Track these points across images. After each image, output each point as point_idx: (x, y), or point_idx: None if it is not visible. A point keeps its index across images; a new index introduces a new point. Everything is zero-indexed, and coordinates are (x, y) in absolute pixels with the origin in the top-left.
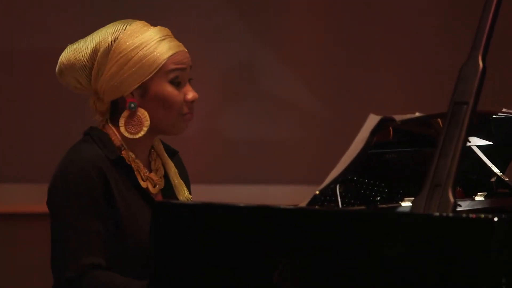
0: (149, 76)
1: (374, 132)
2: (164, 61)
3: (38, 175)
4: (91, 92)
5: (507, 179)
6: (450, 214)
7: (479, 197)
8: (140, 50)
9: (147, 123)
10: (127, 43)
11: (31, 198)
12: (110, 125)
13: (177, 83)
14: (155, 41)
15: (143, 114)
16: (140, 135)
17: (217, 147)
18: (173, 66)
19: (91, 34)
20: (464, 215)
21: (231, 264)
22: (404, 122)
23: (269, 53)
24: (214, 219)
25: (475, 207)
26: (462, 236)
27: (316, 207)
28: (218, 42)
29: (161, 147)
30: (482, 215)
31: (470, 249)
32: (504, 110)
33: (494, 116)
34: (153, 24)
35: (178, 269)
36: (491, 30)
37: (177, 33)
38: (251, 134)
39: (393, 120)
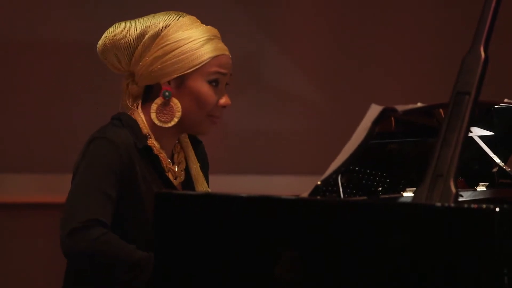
0: (189, 70)
1: (376, 122)
2: (208, 60)
3: (39, 166)
4: (127, 73)
5: (508, 170)
6: (452, 205)
7: (481, 188)
8: (187, 43)
9: (178, 113)
10: (177, 33)
11: (32, 188)
12: (139, 111)
13: (214, 85)
14: (203, 39)
15: (175, 104)
16: (170, 124)
17: (220, 138)
18: (215, 69)
19: (141, 17)
20: (466, 205)
21: (233, 255)
22: (406, 112)
23: (271, 45)
24: (216, 209)
25: (477, 198)
26: (463, 227)
27: (318, 197)
28: (220, 34)
29: (187, 139)
30: (484, 206)
31: (472, 239)
32: (506, 100)
33: (496, 106)
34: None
35: (180, 259)
36: (493, 21)
37: None
38: (253, 125)
39: (395, 110)
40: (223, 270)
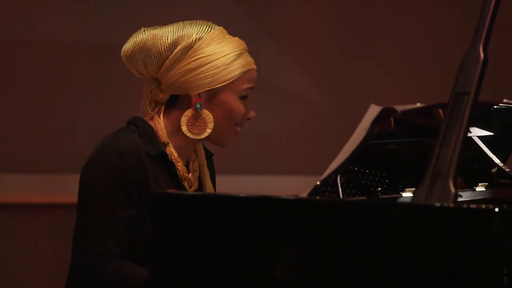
0: (221, 85)
1: (375, 122)
2: (240, 75)
3: (38, 166)
4: (151, 79)
5: (508, 170)
6: (451, 205)
7: (480, 188)
8: (220, 57)
9: (211, 125)
10: (210, 46)
11: (32, 188)
12: (160, 118)
13: (244, 98)
14: (236, 53)
15: (207, 115)
16: (202, 136)
17: None
18: (246, 85)
19: (170, 25)
20: (465, 205)
21: (232, 255)
22: (405, 112)
23: (271, 45)
24: (215, 209)
25: (476, 198)
26: (463, 227)
27: (317, 197)
28: None
29: (202, 149)
30: (483, 206)
31: (471, 239)
32: (505, 100)
33: (495, 106)
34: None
35: (179, 259)
36: (492, 21)
37: None
38: (252, 125)
39: (394, 110)
40: (223, 270)
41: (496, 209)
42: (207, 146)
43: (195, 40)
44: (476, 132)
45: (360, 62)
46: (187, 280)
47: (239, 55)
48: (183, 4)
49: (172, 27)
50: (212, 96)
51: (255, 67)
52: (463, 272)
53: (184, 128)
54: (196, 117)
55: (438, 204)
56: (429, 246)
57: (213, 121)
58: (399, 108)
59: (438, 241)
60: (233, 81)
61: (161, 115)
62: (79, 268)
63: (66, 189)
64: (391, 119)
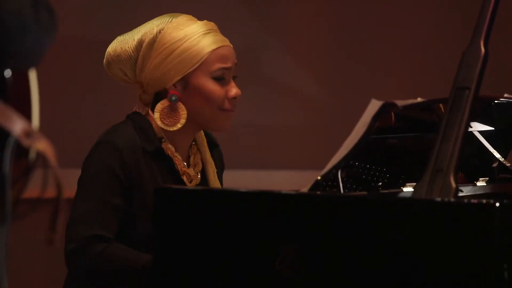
0: (191, 69)
1: (376, 117)
2: (207, 54)
3: (39, 161)
4: (137, 84)
5: (508, 165)
6: (452, 200)
7: (480, 183)
8: (184, 42)
9: (183, 119)
10: (172, 35)
11: (33, 183)
12: (152, 115)
13: (220, 79)
14: (199, 34)
15: (182, 109)
16: (172, 128)
17: (219, 133)
18: (218, 65)
19: (138, 27)
20: (466, 200)
21: (232, 249)
22: (406, 107)
23: (271, 39)
24: (215, 204)
25: (477, 193)
26: (464, 222)
27: (318, 192)
28: (221, 28)
29: (204, 142)
30: (484, 200)
31: (472, 234)
32: (506, 95)
33: (496, 101)
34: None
35: (179, 254)
36: (493, 16)
37: None
38: (253, 120)
39: (395, 105)
40: (223, 264)
41: (497, 204)
42: (216, 135)
43: (157, 33)
44: (476, 127)
45: (360, 59)
46: (187, 275)
47: (204, 35)
48: (184, 3)
49: (138, 28)
50: (186, 84)
51: (226, 43)
52: (464, 267)
53: (156, 116)
54: (172, 109)
55: (438, 199)
56: (430, 241)
57: (185, 116)
58: (400, 103)
59: (439, 236)
60: (203, 63)
61: (150, 114)
62: (66, 253)
63: (67, 183)
64: (392, 114)
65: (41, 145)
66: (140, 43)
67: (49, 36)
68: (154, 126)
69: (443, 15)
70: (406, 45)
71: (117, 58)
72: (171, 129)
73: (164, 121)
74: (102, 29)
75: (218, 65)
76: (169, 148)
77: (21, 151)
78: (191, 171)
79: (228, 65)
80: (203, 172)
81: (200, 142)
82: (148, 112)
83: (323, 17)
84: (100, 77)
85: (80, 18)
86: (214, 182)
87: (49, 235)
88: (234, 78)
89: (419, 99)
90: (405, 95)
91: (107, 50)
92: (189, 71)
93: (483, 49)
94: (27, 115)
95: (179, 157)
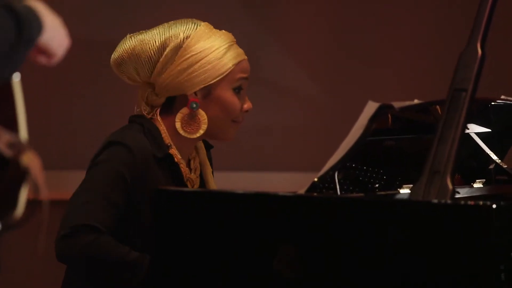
0: (216, 80)
1: (373, 119)
2: (232, 67)
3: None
4: (144, 84)
5: (505, 166)
6: (449, 201)
7: (477, 184)
8: (211, 53)
9: (204, 126)
10: (199, 43)
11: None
12: (159, 120)
13: (238, 91)
14: (224, 46)
15: (202, 116)
16: (195, 136)
17: None
18: (240, 75)
19: (155, 28)
20: (462, 202)
21: (231, 251)
22: (403, 109)
23: (270, 41)
24: (214, 206)
25: (474, 194)
26: (460, 223)
27: (315, 194)
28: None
29: (202, 144)
30: (481, 202)
31: (469, 236)
32: (502, 97)
33: (492, 103)
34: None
35: (179, 255)
36: (489, 18)
37: None
38: (251, 121)
39: (391, 107)
40: (222, 265)
41: (494, 206)
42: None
43: (184, 39)
44: (473, 129)
45: (359, 59)
46: (186, 276)
47: (229, 48)
48: (183, 2)
49: (158, 30)
50: (207, 93)
51: (245, 57)
52: (461, 269)
53: (178, 125)
54: (191, 116)
55: (435, 201)
56: (427, 242)
57: (206, 122)
58: (397, 104)
59: (436, 237)
60: (227, 74)
61: (158, 117)
62: (57, 238)
63: (66, 185)
64: (389, 115)
65: (27, 157)
66: (163, 46)
67: (19, 43)
68: (162, 131)
69: (444, 16)
70: (406, 45)
71: (136, 57)
72: (193, 136)
73: (186, 129)
74: (101, 29)
75: (240, 75)
76: (176, 155)
77: (4, 162)
78: (193, 176)
79: (247, 75)
80: (201, 175)
81: (199, 145)
82: (153, 115)
83: (322, 17)
84: (99, 78)
85: (78, 18)
86: (211, 184)
87: (36, 245)
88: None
89: (416, 101)
90: (405, 95)
91: (122, 47)
92: (213, 81)
93: (480, 51)
94: (13, 126)
95: (184, 164)
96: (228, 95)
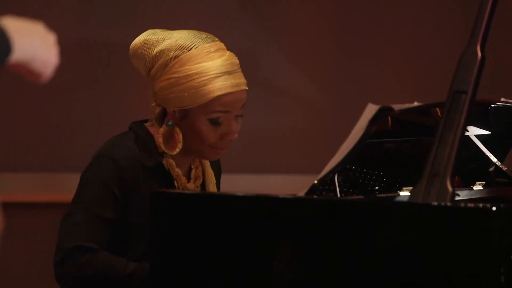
0: (191, 107)
1: (372, 121)
2: (210, 99)
3: (36, 165)
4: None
5: (505, 169)
6: (449, 204)
7: (477, 187)
8: (191, 80)
9: (180, 144)
10: (184, 67)
11: (29, 187)
12: (156, 127)
13: (215, 122)
14: (210, 76)
15: (178, 134)
16: (172, 153)
17: None
18: (218, 108)
19: (164, 32)
20: (462, 204)
21: (231, 253)
22: (403, 111)
23: (270, 42)
24: (213, 208)
25: (474, 197)
26: (460, 226)
27: (315, 196)
28: (218, 31)
29: None
30: (481, 205)
31: (469, 238)
32: (502, 99)
33: (492, 105)
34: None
35: (177, 258)
36: (489, 20)
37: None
38: (251, 124)
39: (391, 109)
40: (221, 269)
41: (493, 208)
42: None
43: (171, 58)
44: (473, 131)
45: (359, 61)
46: (185, 279)
47: (215, 78)
48: (183, 3)
49: (163, 35)
50: (184, 116)
51: (236, 89)
52: (461, 271)
53: (160, 140)
54: (169, 133)
55: (435, 203)
56: (427, 245)
57: (181, 141)
58: (397, 107)
59: (436, 240)
60: (204, 104)
61: (156, 124)
62: (54, 263)
63: (65, 188)
64: (389, 118)
65: None
66: (157, 57)
67: None
68: (156, 139)
69: (444, 16)
70: (406, 46)
71: (138, 56)
72: (171, 153)
73: (166, 145)
74: (101, 30)
75: (217, 108)
76: (170, 164)
77: None
78: (191, 186)
79: (228, 109)
80: (203, 185)
81: None
82: (154, 122)
83: (322, 17)
84: (98, 79)
85: (78, 19)
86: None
87: None
88: (238, 117)
89: (415, 103)
90: (405, 97)
91: (134, 42)
92: (188, 107)
93: (479, 53)
94: None
95: (180, 172)
96: (200, 125)
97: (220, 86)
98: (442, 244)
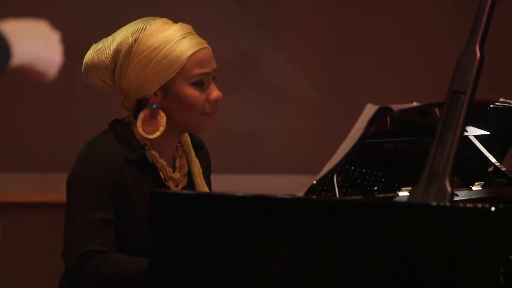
0: (170, 77)
1: (371, 121)
2: (185, 61)
3: (37, 165)
4: (118, 90)
5: (504, 169)
6: (448, 204)
7: (476, 187)
8: (160, 51)
9: (162, 128)
10: (147, 44)
11: (30, 187)
12: (134, 121)
13: (199, 85)
14: (175, 40)
15: (162, 117)
16: (152, 136)
17: (215, 137)
18: (196, 71)
19: (114, 33)
20: (461, 204)
21: (229, 254)
22: (402, 111)
23: (268, 43)
24: (211, 208)
25: (473, 197)
26: (459, 226)
27: (314, 196)
28: (217, 32)
29: (189, 142)
30: (480, 205)
31: (468, 239)
32: (501, 99)
33: (491, 105)
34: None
35: (175, 259)
36: (488, 20)
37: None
38: (249, 124)
39: (390, 109)
40: (220, 269)
41: (492, 208)
42: (212, 139)
43: (132, 43)
44: (472, 131)
45: (358, 61)
46: (185, 279)
47: (180, 41)
48: (180, 3)
49: (113, 36)
50: (166, 92)
51: (203, 46)
52: (460, 271)
53: (138, 124)
54: (152, 117)
55: (434, 204)
56: (426, 245)
57: (164, 124)
58: (396, 107)
59: (435, 240)
60: (181, 70)
61: (132, 119)
62: (66, 274)
63: (65, 188)
64: (388, 118)
65: None
66: (116, 52)
67: None
68: (136, 133)
69: (443, 17)
70: (405, 47)
71: (95, 67)
72: (151, 136)
73: (145, 129)
74: (99, 30)
75: (196, 71)
76: (153, 155)
77: None
78: (176, 175)
79: (206, 70)
80: (189, 174)
81: (185, 143)
82: (131, 118)
83: (321, 18)
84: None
85: (77, 20)
86: (200, 183)
87: None
88: (214, 78)
89: (414, 103)
90: (404, 97)
91: (84, 60)
92: (167, 79)
93: (478, 53)
94: None
95: (164, 163)
96: (186, 91)
97: (188, 46)
98: (441, 245)
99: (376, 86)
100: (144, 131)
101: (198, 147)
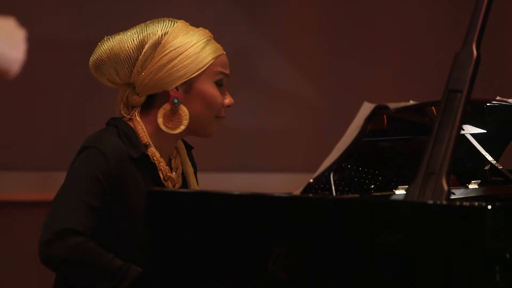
0: (196, 73)
1: (368, 120)
2: (212, 61)
3: (36, 163)
4: (124, 85)
5: (500, 167)
6: (444, 202)
7: (473, 185)
8: (190, 47)
9: (186, 121)
10: (178, 39)
11: (29, 186)
12: (139, 119)
13: (219, 85)
14: (203, 41)
15: (184, 112)
16: (176, 131)
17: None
18: (220, 69)
19: (132, 28)
20: (457, 203)
21: (225, 253)
22: (398, 110)
23: (265, 42)
24: (208, 207)
25: (469, 195)
26: (455, 224)
27: (310, 195)
28: (214, 32)
29: (182, 144)
30: (476, 203)
31: (464, 237)
32: (498, 98)
33: (488, 104)
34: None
35: (172, 257)
36: (485, 19)
37: None
38: (246, 123)
39: (387, 108)
40: (217, 268)
41: (489, 207)
42: (188, 139)
43: (162, 35)
44: (469, 130)
45: (354, 60)
46: (182, 278)
47: (207, 43)
48: (179, 3)
49: (135, 29)
50: (188, 88)
51: (224, 52)
52: (456, 269)
53: (160, 121)
54: (173, 112)
55: (431, 202)
56: (422, 243)
57: (188, 118)
58: (392, 105)
59: (431, 238)
60: (207, 68)
61: (138, 117)
62: (41, 243)
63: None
64: (384, 116)
65: None
66: (142, 43)
67: None
68: (138, 131)
69: (439, 16)
70: (401, 46)
71: (115, 57)
72: (174, 132)
73: (167, 124)
74: (99, 30)
75: (220, 69)
76: (154, 154)
77: None
78: (174, 175)
79: (227, 71)
80: (183, 174)
81: (179, 144)
82: (134, 115)
83: (317, 19)
84: (95, 80)
85: (76, 20)
86: (193, 183)
87: None
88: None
89: (411, 102)
90: (400, 97)
91: (101, 48)
92: (194, 75)
93: (475, 52)
94: None
95: (163, 162)
96: (209, 88)
97: (214, 48)
98: (438, 243)
99: (373, 86)
100: (167, 127)
101: (189, 147)
